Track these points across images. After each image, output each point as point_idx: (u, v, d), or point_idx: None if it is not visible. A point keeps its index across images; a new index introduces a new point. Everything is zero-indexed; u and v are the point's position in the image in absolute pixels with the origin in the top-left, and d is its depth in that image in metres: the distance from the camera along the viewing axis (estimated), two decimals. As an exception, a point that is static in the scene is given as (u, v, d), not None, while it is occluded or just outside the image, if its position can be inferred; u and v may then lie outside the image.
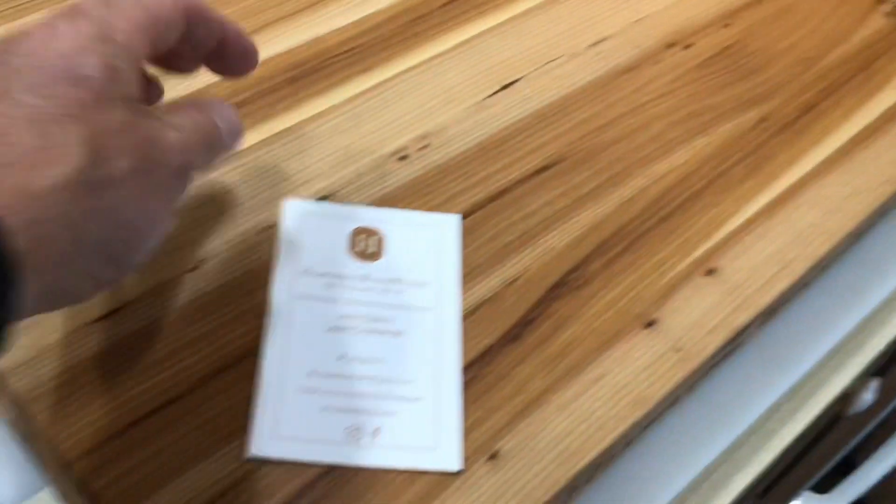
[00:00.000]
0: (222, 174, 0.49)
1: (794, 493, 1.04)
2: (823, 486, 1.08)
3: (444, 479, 0.40)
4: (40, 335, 0.41)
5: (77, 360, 0.41)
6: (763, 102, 0.59)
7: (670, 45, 0.61)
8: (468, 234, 0.49)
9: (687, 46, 0.62)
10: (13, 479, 0.42)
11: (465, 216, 0.49)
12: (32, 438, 0.41)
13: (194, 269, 0.45)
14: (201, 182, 0.48)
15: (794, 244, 0.52)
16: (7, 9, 0.55)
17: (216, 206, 0.47)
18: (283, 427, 0.40)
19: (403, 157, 0.51)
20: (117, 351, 0.41)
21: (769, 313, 0.51)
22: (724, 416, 0.52)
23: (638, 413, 0.44)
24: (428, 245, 0.48)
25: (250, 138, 0.50)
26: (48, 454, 0.40)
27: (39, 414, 0.39)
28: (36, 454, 0.43)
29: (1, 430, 0.44)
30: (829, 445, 0.99)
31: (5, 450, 0.43)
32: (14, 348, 0.40)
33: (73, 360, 0.41)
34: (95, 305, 0.42)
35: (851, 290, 0.58)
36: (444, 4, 0.60)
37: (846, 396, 0.60)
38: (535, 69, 0.58)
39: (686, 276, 0.49)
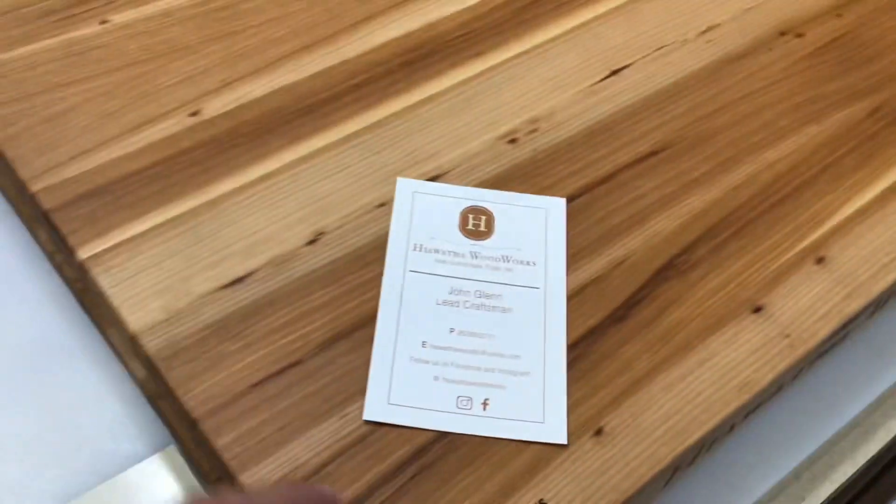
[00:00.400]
0: (340, 153, 0.50)
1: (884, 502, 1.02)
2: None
3: (551, 451, 0.41)
4: (172, 299, 0.44)
5: (205, 325, 0.43)
6: (876, 93, 0.58)
7: (782, 34, 0.61)
8: (576, 216, 0.50)
9: (799, 35, 0.61)
10: (142, 435, 0.45)
11: (572, 199, 0.50)
12: (161, 397, 0.43)
13: (313, 241, 0.47)
14: (320, 159, 0.50)
15: (907, 235, 0.51)
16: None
17: (333, 182, 0.49)
18: (397, 394, 0.42)
19: (513, 141, 0.52)
20: (241, 317, 0.43)
21: (880, 303, 0.50)
22: (827, 407, 0.52)
23: (744, 397, 0.44)
24: (535, 226, 0.49)
25: (366, 119, 0.52)
26: (175, 413, 0.42)
27: (169, 374, 0.41)
28: (163, 412, 0.45)
29: (131, 389, 0.46)
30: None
31: (134, 408, 0.46)
32: (147, 311, 0.43)
33: (200, 324, 0.43)
34: (222, 274, 0.45)
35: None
36: (555, -9, 0.61)
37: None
38: (645, 55, 0.58)
39: (795, 264, 0.49)
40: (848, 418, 0.52)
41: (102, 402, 0.46)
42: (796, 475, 0.51)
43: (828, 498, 0.51)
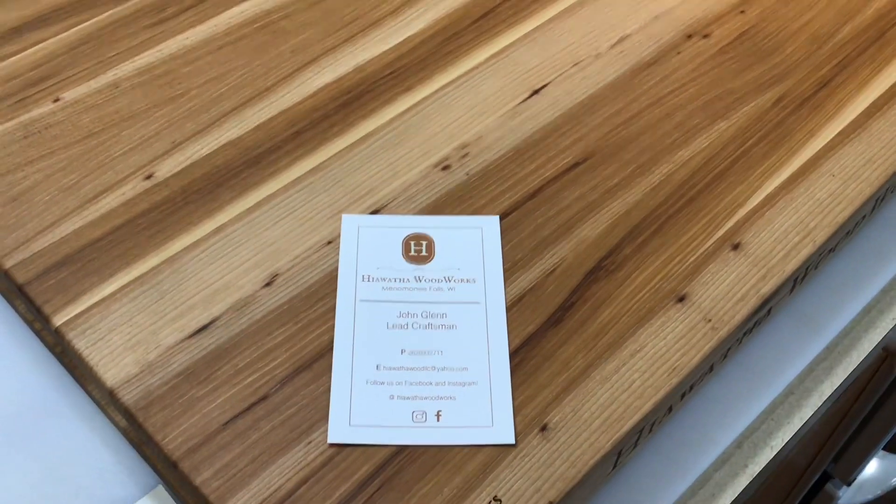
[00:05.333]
0: (287, 198, 0.55)
1: (867, 455, 1.07)
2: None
3: (501, 451, 0.45)
4: (143, 353, 0.48)
5: (175, 373, 0.47)
6: (780, 82, 0.63)
7: (689, 37, 0.65)
8: (509, 232, 0.54)
9: (705, 36, 0.66)
10: (131, 479, 0.49)
11: (504, 216, 0.55)
12: (143, 443, 0.47)
13: (269, 284, 0.51)
14: (269, 206, 0.54)
15: (814, 214, 0.56)
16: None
17: (283, 227, 0.53)
18: (357, 416, 0.46)
19: (446, 167, 0.57)
20: (209, 362, 0.48)
21: (795, 280, 0.55)
22: (761, 379, 0.56)
23: (674, 381, 0.48)
24: (473, 245, 0.53)
25: (308, 163, 0.56)
26: (157, 456, 0.46)
27: (147, 422, 0.45)
28: (147, 456, 0.49)
29: (116, 436, 0.50)
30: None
31: (121, 454, 0.50)
32: (122, 367, 0.47)
33: (172, 373, 0.47)
34: (187, 324, 0.49)
35: (879, 252, 0.61)
36: (476, 21, 0.65)
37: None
38: (562, 73, 0.62)
39: (713, 253, 0.53)
40: (781, 388, 0.56)
41: (92, 452, 0.50)
42: (738, 445, 0.55)
43: (769, 462, 0.55)
